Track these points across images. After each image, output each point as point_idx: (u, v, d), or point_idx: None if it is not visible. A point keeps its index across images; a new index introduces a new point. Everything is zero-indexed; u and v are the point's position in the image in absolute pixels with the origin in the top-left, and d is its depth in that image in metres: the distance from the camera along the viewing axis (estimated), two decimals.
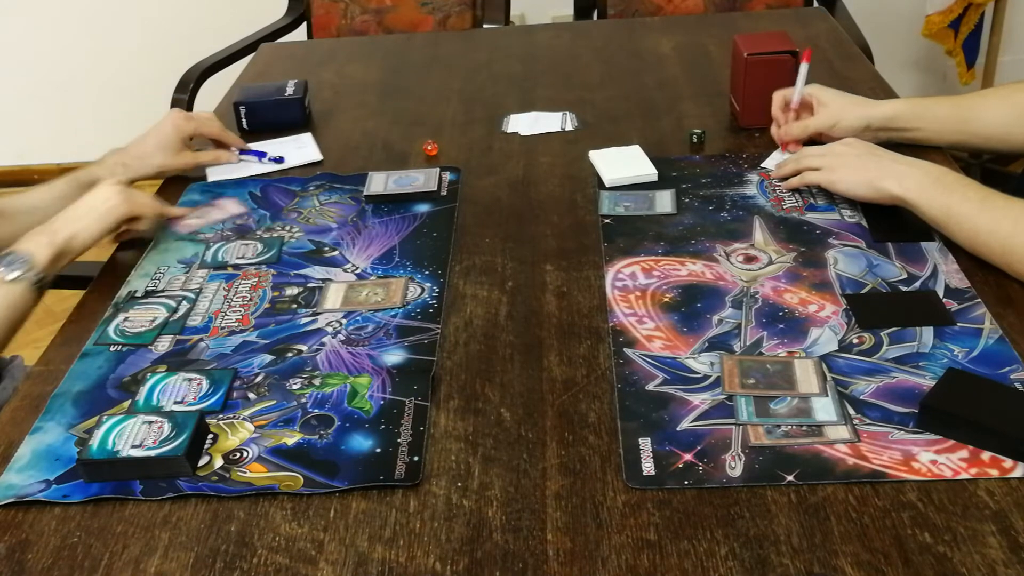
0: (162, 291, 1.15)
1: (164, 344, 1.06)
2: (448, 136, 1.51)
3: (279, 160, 1.46)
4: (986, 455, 0.83)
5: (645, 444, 0.87)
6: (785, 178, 1.27)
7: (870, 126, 1.29)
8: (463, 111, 1.60)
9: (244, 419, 0.93)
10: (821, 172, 1.21)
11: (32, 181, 3.37)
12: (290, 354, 1.03)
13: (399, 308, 1.09)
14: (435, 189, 1.33)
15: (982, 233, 1.04)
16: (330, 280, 1.16)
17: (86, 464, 0.87)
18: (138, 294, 1.15)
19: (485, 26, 2.36)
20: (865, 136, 1.27)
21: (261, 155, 1.46)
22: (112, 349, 1.06)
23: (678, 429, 0.88)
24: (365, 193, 1.33)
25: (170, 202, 1.37)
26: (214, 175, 1.44)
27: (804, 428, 0.87)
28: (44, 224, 1.15)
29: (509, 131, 1.51)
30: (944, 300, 1.02)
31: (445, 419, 0.92)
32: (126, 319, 1.10)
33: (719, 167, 1.34)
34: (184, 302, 1.12)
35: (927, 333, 0.98)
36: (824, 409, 0.89)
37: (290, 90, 1.60)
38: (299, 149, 1.50)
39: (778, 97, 1.36)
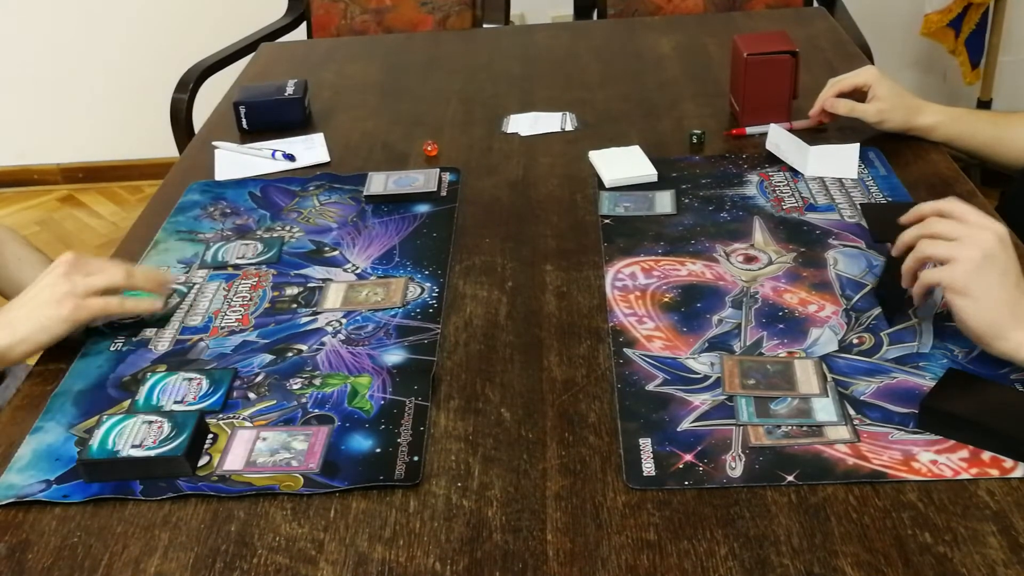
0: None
1: (164, 344, 1.06)
2: (448, 136, 1.51)
3: (291, 158, 1.46)
4: (986, 455, 0.83)
5: (645, 444, 0.87)
6: (907, 253, 0.96)
7: (908, 132, 1.33)
8: (463, 111, 1.60)
9: (244, 419, 0.94)
10: (950, 280, 0.90)
11: (32, 181, 3.39)
12: (290, 354, 1.03)
13: (399, 308, 1.09)
14: (435, 189, 1.33)
15: None
16: (330, 280, 1.16)
17: (86, 464, 0.87)
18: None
19: (485, 26, 2.36)
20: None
21: (273, 151, 1.46)
22: (112, 348, 1.06)
23: (678, 429, 0.88)
24: (365, 193, 1.33)
25: (170, 201, 1.37)
26: (220, 173, 1.44)
27: (804, 428, 0.87)
28: None
29: (509, 131, 1.51)
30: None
31: (445, 419, 0.92)
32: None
33: (719, 167, 1.34)
34: (175, 295, 1.13)
35: (927, 333, 0.98)
36: (824, 409, 0.89)
37: (290, 90, 1.60)
38: (309, 149, 1.50)
39: (837, 84, 1.36)
